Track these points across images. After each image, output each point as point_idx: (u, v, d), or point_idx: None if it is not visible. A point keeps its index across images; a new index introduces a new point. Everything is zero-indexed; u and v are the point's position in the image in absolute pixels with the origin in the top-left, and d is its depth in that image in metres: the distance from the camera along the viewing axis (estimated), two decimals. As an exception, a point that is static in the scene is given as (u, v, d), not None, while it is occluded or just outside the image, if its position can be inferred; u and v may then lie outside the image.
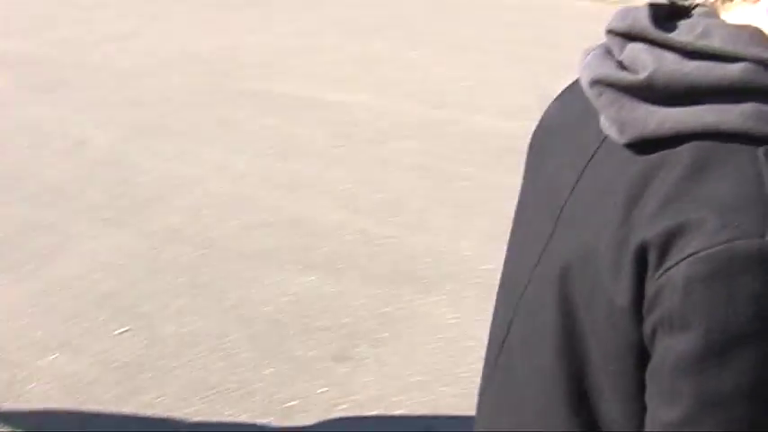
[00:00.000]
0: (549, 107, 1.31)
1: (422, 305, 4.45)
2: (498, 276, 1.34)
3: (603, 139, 1.08)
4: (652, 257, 0.96)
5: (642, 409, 1.01)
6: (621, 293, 0.98)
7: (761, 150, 0.95)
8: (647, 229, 0.96)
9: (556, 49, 8.60)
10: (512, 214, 1.33)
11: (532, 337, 1.17)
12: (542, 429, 1.15)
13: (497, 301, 1.35)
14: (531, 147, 1.32)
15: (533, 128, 1.32)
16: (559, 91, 1.31)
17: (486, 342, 1.36)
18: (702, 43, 0.98)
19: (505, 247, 1.34)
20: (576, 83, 1.20)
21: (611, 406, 1.06)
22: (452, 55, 9.09)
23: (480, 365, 1.37)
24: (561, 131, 1.23)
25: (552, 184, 1.19)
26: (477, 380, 1.37)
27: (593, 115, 1.07)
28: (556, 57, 7.92)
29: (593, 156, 1.11)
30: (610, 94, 1.03)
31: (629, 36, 1.04)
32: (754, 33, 0.98)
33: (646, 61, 0.99)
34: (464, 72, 8.43)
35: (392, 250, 4.99)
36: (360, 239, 5.11)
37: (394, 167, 6.17)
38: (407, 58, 8.91)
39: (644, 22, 1.02)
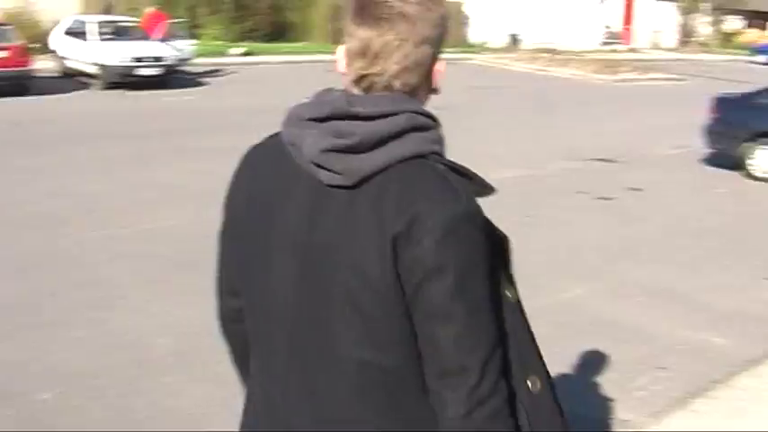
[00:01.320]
0: (247, 174, 1.91)
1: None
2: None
3: (327, 189, 1.70)
4: (402, 241, 1.63)
5: (407, 339, 1.69)
6: (388, 273, 1.64)
7: (431, 159, 1.70)
8: (394, 227, 1.63)
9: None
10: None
11: (326, 323, 1.75)
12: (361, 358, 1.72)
13: (257, 323, 1.92)
14: (251, 200, 1.87)
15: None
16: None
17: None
18: (378, 110, 1.68)
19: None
20: (252, 161, 1.90)
21: (389, 339, 1.70)
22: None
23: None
24: (276, 190, 1.81)
25: (287, 229, 1.77)
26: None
27: (305, 176, 1.72)
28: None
29: (321, 205, 1.72)
30: (335, 156, 1.66)
31: (332, 117, 1.69)
32: (406, 95, 1.74)
33: (352, 131, 1.66)
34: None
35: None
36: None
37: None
38: None
39: (340, 105, 1.70)
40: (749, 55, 48.08)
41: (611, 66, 31.36)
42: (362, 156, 1.66)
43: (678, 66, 36.91)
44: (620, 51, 43.42)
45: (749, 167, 12.95)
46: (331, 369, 1.76)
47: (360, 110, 1.68)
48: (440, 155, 1.73)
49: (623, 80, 29.43)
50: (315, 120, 1.71)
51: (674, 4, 52.55)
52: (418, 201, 1.64)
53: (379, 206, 1.65)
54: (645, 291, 7.35)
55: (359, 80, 1.74)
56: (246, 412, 2.00)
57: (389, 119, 1.68)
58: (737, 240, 9.34)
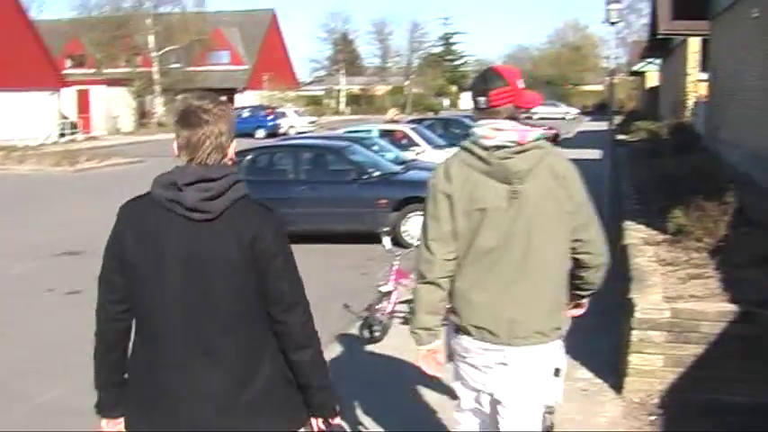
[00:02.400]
0: (131, 220, 3.06)
1: None
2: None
3: (197, 223, 2.92)
4: (256, 241, 2.96)
5: (257, 296, 3.02)
6: (247, 259, 2.96)
7: (247, 198, 3.05)
8: (249, 234, 2.96)
9: None
10: None
11: (210, 297, 2.97)
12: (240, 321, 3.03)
13: (149, 306, 3.03)
14: (141, 237, 2.99)
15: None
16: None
17: None
18: (218, 175, 2.98)
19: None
20: (131, 212, 3.07)
21: (251, 300, 3.02)
22: None
23: None
24: (160, 228, 2.97)
25: (173, 250, 2.94)
26: None
27: (177, 217, 2.94)
28: None
29: (194, 232, 2.93)
30: (205, 203, 2.93)
31: (197, 181, 2.92)
32: (228, 162, 3.03)
33: (210, 187, 2.94)
34: None
35: None
36: None
37: None
38: None
39: (201, 174, 2.94)
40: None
41: (70, 156, 31.00)
42: (218, 200, 2.95)
43: (138, 148, 37.71)
44: (79, 141, 43.23)
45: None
46: (220, 336, 3.00)
47: (210, 175, 2.95)
48: (248, 195, 3.06)
49: (84, 169, 29.40)
50: (189, 183, 2.93)
51: (127, 88, 53.53)
52: (258, 219, 3.01)
53: (233, 225, 2.96)
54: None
55: (189, 161, 3.00)
56: (137, 399, 3.10)
57: (224, 179, 2.97)
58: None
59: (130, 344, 3.17)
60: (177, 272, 2.93)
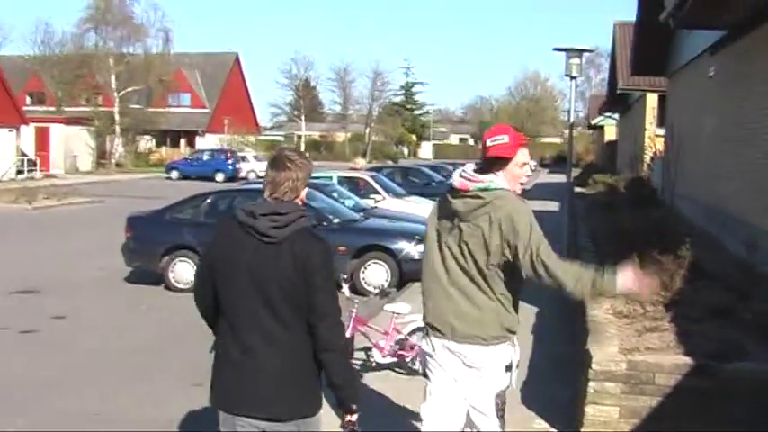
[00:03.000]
0: (222, 232, 4.00)
1: None
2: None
3: (264, 244, 3.83)
4: (304, 261, 3.80)
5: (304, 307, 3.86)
6: (300, 277, 3.80)
7: (308, 229, 3.98)
8: (302, 256, 3.81)
9: None
10: None
11: (266, 305, 3.86)
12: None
13: (226, 299, 3.95)
14: (225, 246, 3.94)
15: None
16: None
17: None
18: (286, 210, 3.87)
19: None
20: (224, 226, 4.01)
21: (302, 307, 3.85)
22: None
23: None
24: (237, 242, 3.89)
25: (243, 260, 3.85)
26: None
27: (250, 237, 3.87)
28: None
29: (261, 250, 3.84)
30: (274, 230, 3.83)
31: (269, 214, 3.87)
32: (298, 202, 3.95)
33: (278, 219, 3.85)
34: None
35: None
36: None
37: None
38: None
39: (272, 209, 3.86)
40: (165, 172, 50.51)
41: (28, 194, 30.63)
42: (283, 229, 3.83)
43: (96, 188, 37.45)
44: (37, 179, 42.82)
45: (169, 281, 13.52)
46: (270, 327, 3.86)
47: (280, 210, 3.85)
48: (312, 227, 4.20)
49: (42, 207, 29.05)
50: (264, 214, 3.85)
51: (87, 127, 53.20)
52: (311, 245, 3.86)
53: (292, 248, 3.81)
54: (72, 418, 7.24)
55: (270, 196, 3.92)
56: (221, 365, 4.00)
57: (291, 214, 3.86)
58: (163, 353, 9.64)
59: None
60: (246, 278, 3.86)
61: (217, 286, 3.97)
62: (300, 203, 3.96)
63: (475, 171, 4.58)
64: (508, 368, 4.62)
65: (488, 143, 4.55)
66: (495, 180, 4.49)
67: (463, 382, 4.62)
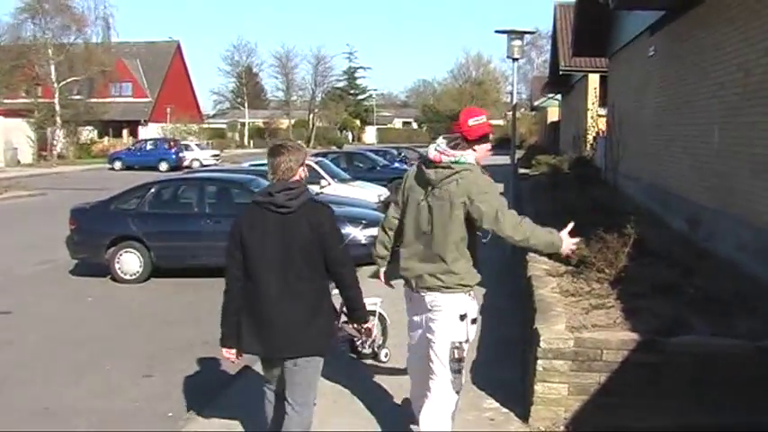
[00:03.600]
0: (248, 215, 5.13)
1: None
2: None
3: (283, 215, 4.99)
4: (317, 225, 5.00)
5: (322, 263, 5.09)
6: (315, 238, 4.99)
7: (313, 199, 5.18)
8: (316, 222, 5.01)
9: None
10: None
11: (293, 262, 5.00)
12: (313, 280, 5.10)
13: (256, 266, 5.04)
14: (251, 224, 5.05)
15: None
16: None
17: None
18: (293, 185, 5.01)
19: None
20: (250, 210, 5.14)
21: (318, 262, 5.07)
22: None
23: None
24: (261, 218, 5.03)
25: (270, 229, 4.99)
26: None
27: (271, 212, 5.00)
28: None
29: (282, 220, 4.98)
30: (289, 201, 4.98)
31: (283, 189, 4.98)
32: (297, 179, 5.10)
33: (291, 193, 5.00)
34: None
35: None
36: None
37: None
38: None
39: (285, 186, 5.00)
40: (108, 162, 49.87)
41: (-32, 188, 30.08)
42: (295, 200, 4.96)
43: (38, 181, 36.86)
44: (-24, 172, 42.00)
45: (115, 272, 13.40)
46: (298, 283, 4.98)
47: (290, 186, 4.98)
48: (315, 198, 5.24)
49: (-18, 201, 28.46)
50: (278, 191, 4.95)
51: (26, 119, 52.31)
52: (320, 213, 5.06)
53: (306, 216, 4.96)
54: (30, 413, 7.18)
55: (273, 177, 5.01)
56: (248, 324, 5.09)
57: (298, 189, 5.00)
58: (112, 344, 9.55)
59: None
60: (274, 244, 4.97)
61: (247, 255, 5.01)
62: (300, 180, 5.06)
63: (448, 146, 5.32)
64: (462, 317, 5.31)
65: (471, 123, 5.31)
66: (465, 155, 5.28)
67: (427, 327, 5.42)
